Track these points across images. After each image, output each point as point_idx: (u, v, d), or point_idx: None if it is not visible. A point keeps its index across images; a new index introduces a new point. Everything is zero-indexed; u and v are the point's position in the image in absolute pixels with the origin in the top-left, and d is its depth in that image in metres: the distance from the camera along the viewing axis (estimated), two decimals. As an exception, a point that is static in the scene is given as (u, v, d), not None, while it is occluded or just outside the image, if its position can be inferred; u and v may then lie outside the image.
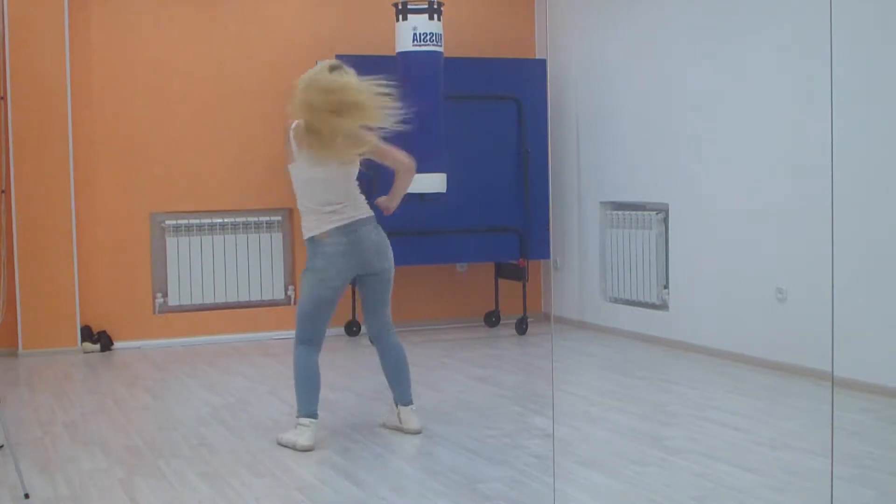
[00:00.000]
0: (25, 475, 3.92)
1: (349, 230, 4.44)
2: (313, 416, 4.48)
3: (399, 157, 4.59)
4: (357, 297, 6.12)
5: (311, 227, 4.48)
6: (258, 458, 4.30)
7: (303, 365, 4.53)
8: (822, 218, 5.38)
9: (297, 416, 4.49)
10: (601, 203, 7.44)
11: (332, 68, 4.36)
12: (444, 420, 4.89)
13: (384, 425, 4.77)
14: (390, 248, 4.60)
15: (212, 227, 7.33)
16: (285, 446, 4.45)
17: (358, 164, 4.53)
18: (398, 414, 4.68)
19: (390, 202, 4.68)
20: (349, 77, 4.33)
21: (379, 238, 4.54)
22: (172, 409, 5.33)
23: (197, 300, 7.32)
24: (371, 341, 4.75)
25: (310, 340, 4.55)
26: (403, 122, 4.32)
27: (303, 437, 4.42)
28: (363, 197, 4.57)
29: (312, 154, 4.36)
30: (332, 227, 4.42)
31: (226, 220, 7.38)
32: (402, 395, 4.68)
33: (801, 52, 5.61)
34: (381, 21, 7.14)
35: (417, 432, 4.62)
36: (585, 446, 4.42)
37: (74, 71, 6.94)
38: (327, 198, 4.43)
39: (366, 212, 4.53)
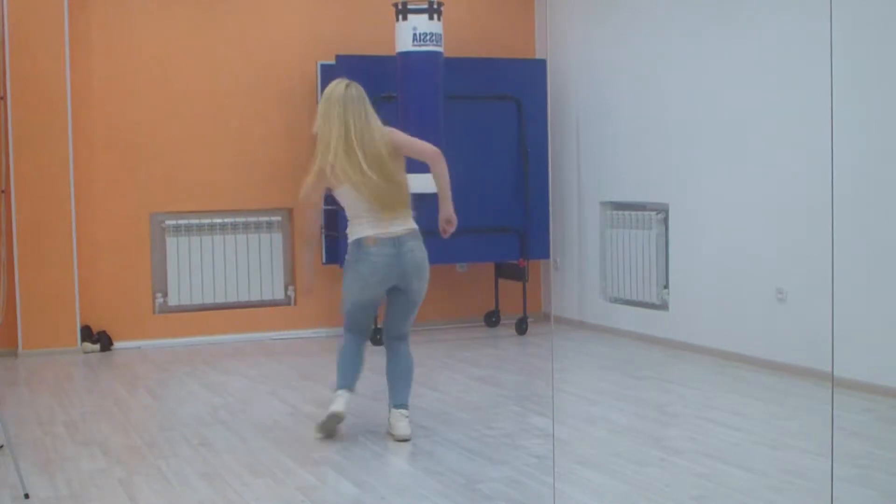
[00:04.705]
0: (25, 475, 3.92)
1: (398, 242, 4.49)
2: (347, 387, 4.58)
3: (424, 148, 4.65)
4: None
5: (359, 230, 4.50)
6: (258, 458, 4.30)
7: (345, 350, 4.69)
8: (822, 218, 5.38)
9: (333, 391, 4.61)
10: (601, 203, 7.44)
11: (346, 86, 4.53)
12: (444, 420, 4.89)
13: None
14: (428, 268, 4.64)
15: (212, 227, 7.33)
16: (322, 422, 4.57)
17: (404, 173, 4.60)
18: (389, 417, 4.66)
19: (447, 211, 4.68)
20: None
21: (423, 256, 4.58)
22: (172, 409, 5.33)
23: (197, 300, 7.31)
24: (383, 342, 4.78)
25: (355, 330, 4.70)
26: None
27: (335, 403, 4.54)
28: (411, 211, 4.61)
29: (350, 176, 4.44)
30: (381, 234, 4.46)
31: (226, 220, 7.37)
32: (395, 397, 4.65)
33: (802, 52, 5.61)
34: (381, 21, 7.13)
35: (404, 439, 4.54)
36: (585, 446, 4.42)
37: (74, 71, 6.94)
38: (375, 206, 4.47)
39: (412, 226, 4.57)
